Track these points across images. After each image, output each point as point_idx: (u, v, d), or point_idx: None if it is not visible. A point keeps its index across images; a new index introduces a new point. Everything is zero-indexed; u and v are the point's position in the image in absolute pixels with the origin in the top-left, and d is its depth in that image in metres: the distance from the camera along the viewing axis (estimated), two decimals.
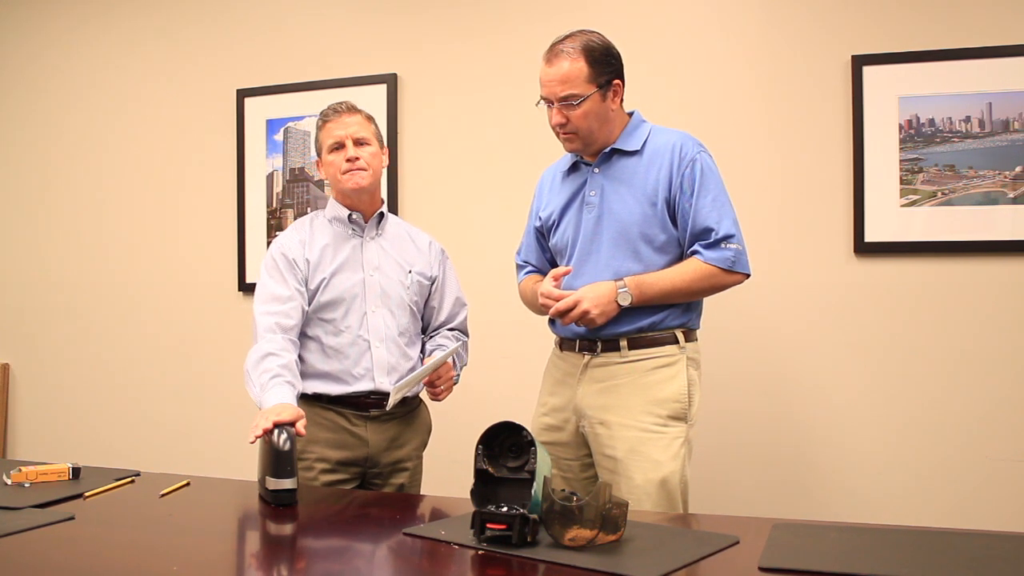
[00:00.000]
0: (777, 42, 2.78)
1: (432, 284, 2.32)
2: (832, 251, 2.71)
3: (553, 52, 2.08)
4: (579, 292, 2.01)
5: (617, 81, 2.10)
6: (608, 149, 2.13)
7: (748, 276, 2.09)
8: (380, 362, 2.17)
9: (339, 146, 2.20)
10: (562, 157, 2.27)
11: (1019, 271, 2.56)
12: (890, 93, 2.65)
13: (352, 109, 2.24)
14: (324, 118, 2.23)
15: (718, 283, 2.06)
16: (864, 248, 2.67)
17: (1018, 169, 2.56)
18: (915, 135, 2.63)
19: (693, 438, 2.10)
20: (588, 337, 2.11)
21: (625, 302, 2.01)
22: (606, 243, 2.09)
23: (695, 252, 2.06)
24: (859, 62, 2.66)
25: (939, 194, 2.62)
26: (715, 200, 2.05)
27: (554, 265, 2.26)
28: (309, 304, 2.18)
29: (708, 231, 2.04)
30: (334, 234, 2.24)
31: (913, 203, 2.64)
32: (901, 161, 2.64)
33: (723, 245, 2.03)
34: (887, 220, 2.65)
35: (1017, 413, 2.56)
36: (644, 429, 2.03)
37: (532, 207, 2.34)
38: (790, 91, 2.76)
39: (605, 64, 2.07)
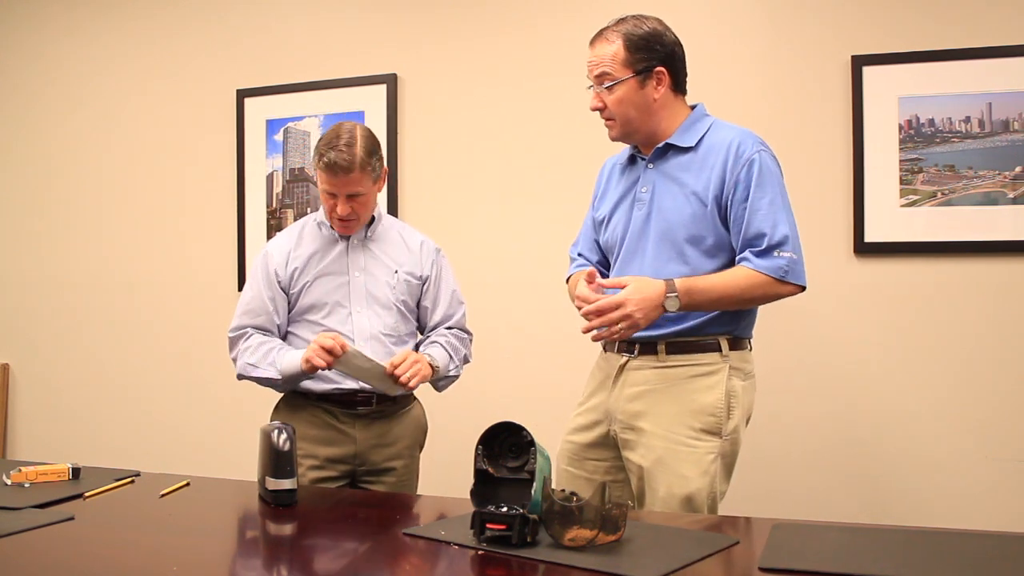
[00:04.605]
0: (777, 42, 2.78)
1: (423, 284, 2.31)
2: (832, 251, 2.71)
3: (597, 34, 2.03)
4: (624, 293, 1.87)
5: (660, 69, 1.99)
6: (663, 144, 2.02)
7: (803, 288, 1.93)
8: None
9: (332, 195, 2.15)
10: (625, 148, 2.15)
11: (1019, 271, 2.56)
12: (890, 93, 2.64)
13: (350, 164, 2.08)
14: (324, 166, 2.10)
15: (770, 293, 1.91)
16: (864, 248, 2.67)
17: (1018, 169, 2.56)
18: (915, 135, 2.63)
19: (730, 453, 1.97)
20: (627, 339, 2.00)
21: (673, 308, 1.87)
22: (651, 244, 1.99)
23: (744, 260, 1.92)
24: (859, 62, 2.66)
25: (939, 194, 2.62)
26: (771, 203, 1.92)
27: (606, 261, 2.15)
28: (292, 306, 2.24)
29: (760, 236, 1.90)
30: (322, 239, 2.26)
31: (913, 203, 2.64)
32: (901, 161, 2.64)
33: (776, 253, 1.89)
34: (887, 220, 2.65)
35: (1018, 413, 2.55)
36: (675, 440, 1.92)
37: (593, 197, 2.23)
38: (790, 91, 2.76)
39: (646, 50, 1.98)
